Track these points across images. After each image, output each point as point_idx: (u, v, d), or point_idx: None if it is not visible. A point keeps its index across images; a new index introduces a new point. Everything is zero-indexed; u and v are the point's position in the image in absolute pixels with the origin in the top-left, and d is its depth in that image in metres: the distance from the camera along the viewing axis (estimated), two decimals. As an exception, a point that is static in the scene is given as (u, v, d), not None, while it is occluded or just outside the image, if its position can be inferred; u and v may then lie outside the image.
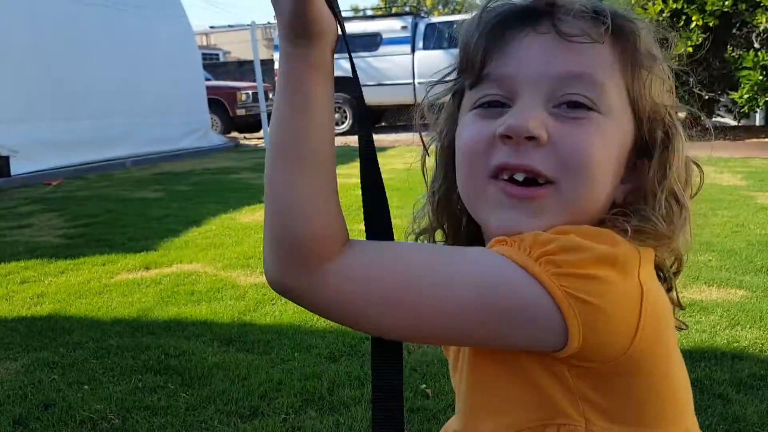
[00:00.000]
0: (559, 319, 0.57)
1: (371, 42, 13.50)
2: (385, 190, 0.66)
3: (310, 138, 0.59)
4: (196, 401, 2.23)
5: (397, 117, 16.39)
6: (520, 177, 0.63)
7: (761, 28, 8.05)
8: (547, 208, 0.63)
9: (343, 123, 13.84)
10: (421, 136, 0.79)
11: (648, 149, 0.67)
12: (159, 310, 3.17)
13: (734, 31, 8.53)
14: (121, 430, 2.09)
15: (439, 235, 0.79)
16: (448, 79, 0.75)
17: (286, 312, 3.06)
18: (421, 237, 0.80)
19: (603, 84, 0.63)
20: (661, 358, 0.63)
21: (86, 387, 2.37)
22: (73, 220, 5.50)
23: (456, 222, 0.77)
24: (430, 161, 0.79)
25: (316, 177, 0.59)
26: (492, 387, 0.66)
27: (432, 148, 0.78)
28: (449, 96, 0.75)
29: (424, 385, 2.27)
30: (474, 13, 0.70)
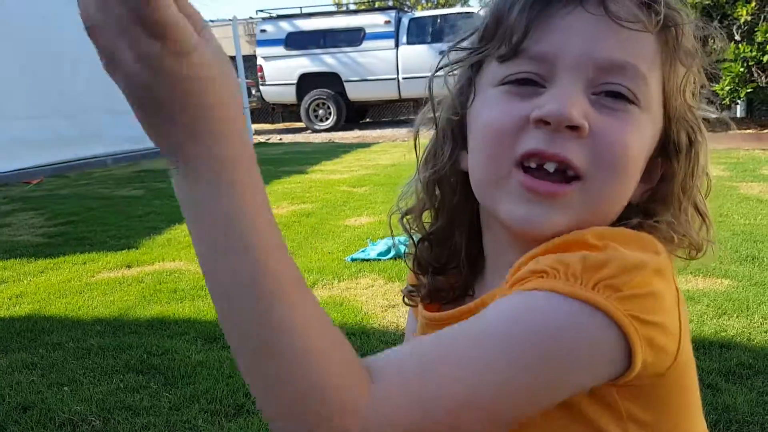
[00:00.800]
0: (624, 345, 0.51)
1: (354, 37, 13.43)
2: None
3: (277, 277, 0.44)
4: (180, 400, 2.19)
5: (382, 113, 16.36)
6: (551, 167, 0.58)
7: (742, 20, 8.10)
8: (571, 205, 0.58)
9: (327, 119, 13.78)
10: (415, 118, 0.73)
11: (665, 149, 0.64)
12: (141, 309, 3.11)
13: (715, 23, 8.58)
14: (103, 431, 2.04)
15: (426, 216, 0.74)
16: (466, 46, 0.67)
17: (271, 308, 3.01)
18: (408, 216, 0.74)
19: (646, 77, 0.59)
20: (689, 362, 0.60)
21: (66, 388, 2.32)
22: (53, 218, 5.41)
23: (451, 199, 0.71)
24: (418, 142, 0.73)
25: (304, 316, 0.44)
26: (529, 428, 0.57)
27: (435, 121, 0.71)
28: (466, 65, 0.67)
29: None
30: None
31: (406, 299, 0.79)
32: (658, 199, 0.64)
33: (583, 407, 0.56)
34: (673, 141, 0.63)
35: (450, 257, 0.73)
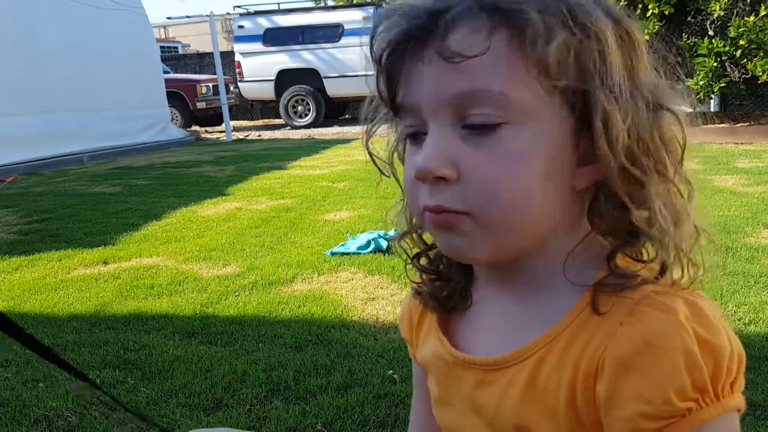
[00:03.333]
0: None
1: (333, 33, 13.39)
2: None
3: None
4: (157, 395, 2.17)
5: (361, 109, 16.32)
6: (437, 211, 0.60)
7: (715, 15, 8.20)
8: (470, 232, 0.60)
9: (306, 115, 13.73)
10: (369, 151, 0.76)
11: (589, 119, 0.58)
12: (118, 305, 3.08)
13: (689, 18, 8.67)
14: (78, 427, 2.02)
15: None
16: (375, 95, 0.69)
17: (250, 303, 3.00)
18: (406, 238, 0.75)
19: (503, 92, 0.56)
20: None
21: (41, 385, 2.29)
22: (28, 216, 5.33)
23: None
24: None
25: None
26: None
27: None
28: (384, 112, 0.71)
29: (391, 371, 2.25)
30: (372, 31, 0.66)
31: (415, 295, 0.78)
32: (603, 174, 0.60)
33: None
34: (583, 111, 0.58)
35: (447, 265, 0.73)
